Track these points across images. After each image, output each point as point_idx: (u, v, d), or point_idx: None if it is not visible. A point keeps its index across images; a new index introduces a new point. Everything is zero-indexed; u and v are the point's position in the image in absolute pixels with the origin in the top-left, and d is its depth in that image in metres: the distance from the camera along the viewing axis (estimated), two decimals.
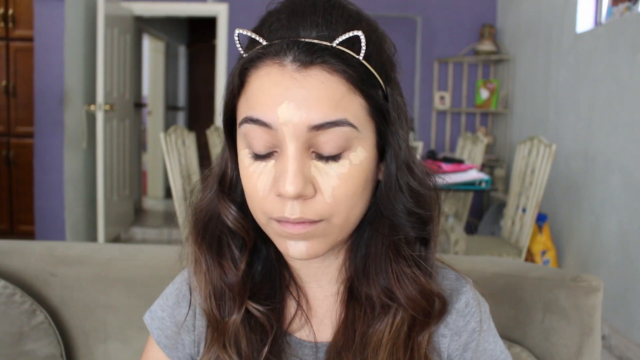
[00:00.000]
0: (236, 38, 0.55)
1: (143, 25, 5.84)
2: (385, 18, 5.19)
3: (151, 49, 6.72)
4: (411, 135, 3.52)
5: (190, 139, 3.20)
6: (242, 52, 0.55)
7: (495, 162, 4.71)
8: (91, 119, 4.36)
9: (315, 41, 0.51)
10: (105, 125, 4.30)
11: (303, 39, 0.52)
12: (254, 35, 0.54)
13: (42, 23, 3.92)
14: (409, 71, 5.28)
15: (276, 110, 0.51)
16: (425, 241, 0.59)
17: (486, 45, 4.77)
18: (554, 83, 3.77)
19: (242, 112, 0.54)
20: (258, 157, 0.54)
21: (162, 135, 2.88)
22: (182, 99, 7.65)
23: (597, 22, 3.40)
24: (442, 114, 5.04)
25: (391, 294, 0.58)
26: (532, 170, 2.85)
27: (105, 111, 4.27)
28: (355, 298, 0.60)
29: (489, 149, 4.86)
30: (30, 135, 4.10)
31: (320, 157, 0.52)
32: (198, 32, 7.40)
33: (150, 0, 4.92)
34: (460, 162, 3.08)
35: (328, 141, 0.51)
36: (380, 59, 0.55)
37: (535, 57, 4.15)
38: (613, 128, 2.95)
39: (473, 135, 4.21)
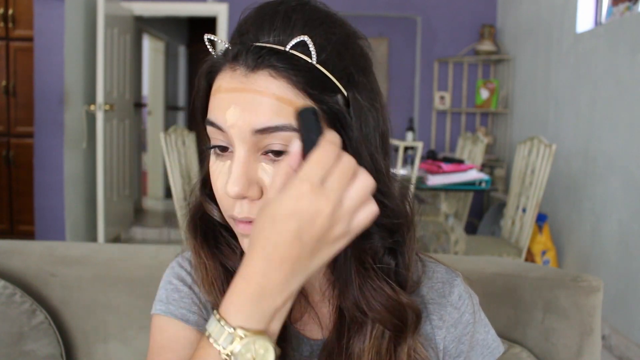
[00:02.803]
0: (207, 42, 0.58)
1: (143, 25, 5.84)
2: (385, 18, 5.21)
3: (151, 49, 6.72)
4: (410, 135, 3.51)
5: (190, 139, 3.20)
6: (213, 53, 0.58)
7: (495, 162, 4.71)
8: (91, 119, 4.36)
9: (266, 45, 0.53)
10: (105, 125, 4.31)
11: (257, 43, 0.53)
12: (220, 41, 0.57)
13: (42, 23, 3.92)
14: (409, 71, 5.28)
15: (225, 114, 0.53)
16: (394, 252, 0.58)
17: (486, 45, 4.77)
18: (554, 83, 3.77)
19: (208, 113, 0.56)
20: (219, 156, 0.56)
21: (162, 135, 2.89)
22: (182, 99, 7.65)
23: (597, 22, 3.40)
24: (442, 114, 5.04)
25: (360, 307, 0.57)
26: (532, 170, 2.85)
27: (105, 111, 4.27)
28: (341, 305, 0.60)
29: (489, 149, 4.86)
30: (30, 135, 4.10)
31: (270, 160, 0.53)
32: (198, 32, 7.40)
33: (150, 0, 4.92)
34: (460, 162, 3.08)
35: (274, 144, 0.52)
36: (341, 62, 0.54)
37: (535, 57, 4.15)
38: (613, 128, 2.95)
39: (473, 135, 4.21)
